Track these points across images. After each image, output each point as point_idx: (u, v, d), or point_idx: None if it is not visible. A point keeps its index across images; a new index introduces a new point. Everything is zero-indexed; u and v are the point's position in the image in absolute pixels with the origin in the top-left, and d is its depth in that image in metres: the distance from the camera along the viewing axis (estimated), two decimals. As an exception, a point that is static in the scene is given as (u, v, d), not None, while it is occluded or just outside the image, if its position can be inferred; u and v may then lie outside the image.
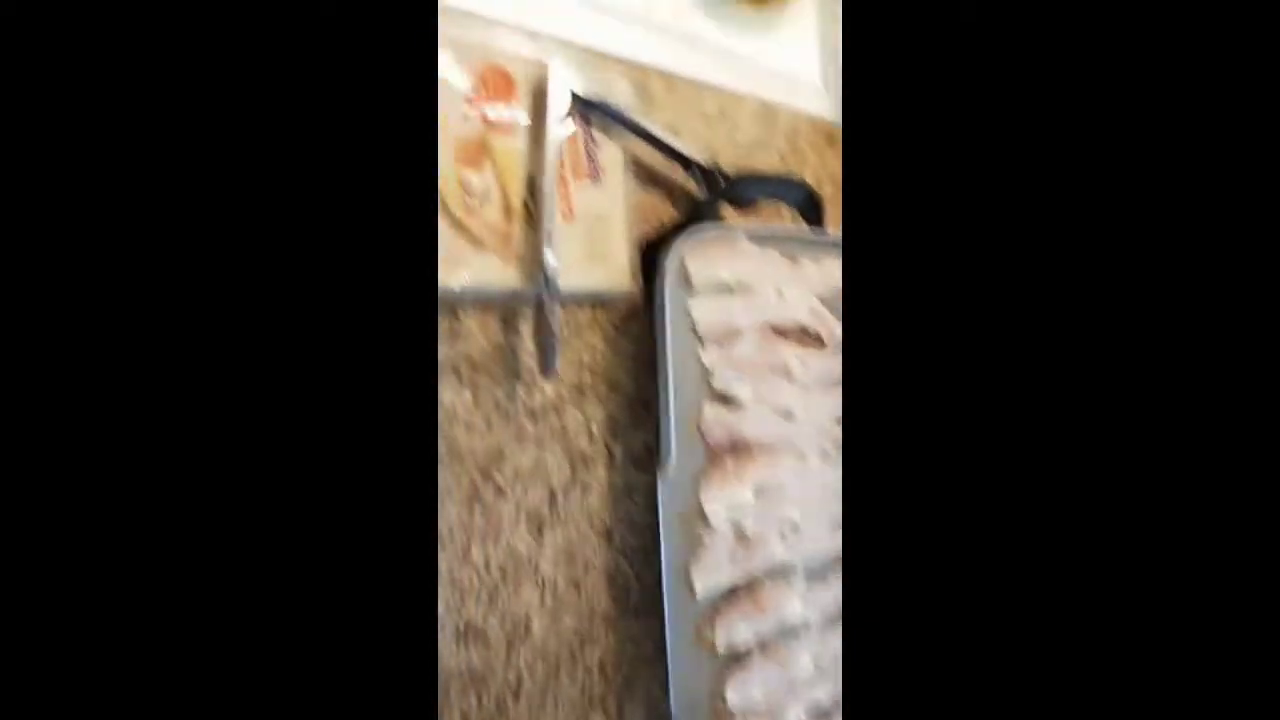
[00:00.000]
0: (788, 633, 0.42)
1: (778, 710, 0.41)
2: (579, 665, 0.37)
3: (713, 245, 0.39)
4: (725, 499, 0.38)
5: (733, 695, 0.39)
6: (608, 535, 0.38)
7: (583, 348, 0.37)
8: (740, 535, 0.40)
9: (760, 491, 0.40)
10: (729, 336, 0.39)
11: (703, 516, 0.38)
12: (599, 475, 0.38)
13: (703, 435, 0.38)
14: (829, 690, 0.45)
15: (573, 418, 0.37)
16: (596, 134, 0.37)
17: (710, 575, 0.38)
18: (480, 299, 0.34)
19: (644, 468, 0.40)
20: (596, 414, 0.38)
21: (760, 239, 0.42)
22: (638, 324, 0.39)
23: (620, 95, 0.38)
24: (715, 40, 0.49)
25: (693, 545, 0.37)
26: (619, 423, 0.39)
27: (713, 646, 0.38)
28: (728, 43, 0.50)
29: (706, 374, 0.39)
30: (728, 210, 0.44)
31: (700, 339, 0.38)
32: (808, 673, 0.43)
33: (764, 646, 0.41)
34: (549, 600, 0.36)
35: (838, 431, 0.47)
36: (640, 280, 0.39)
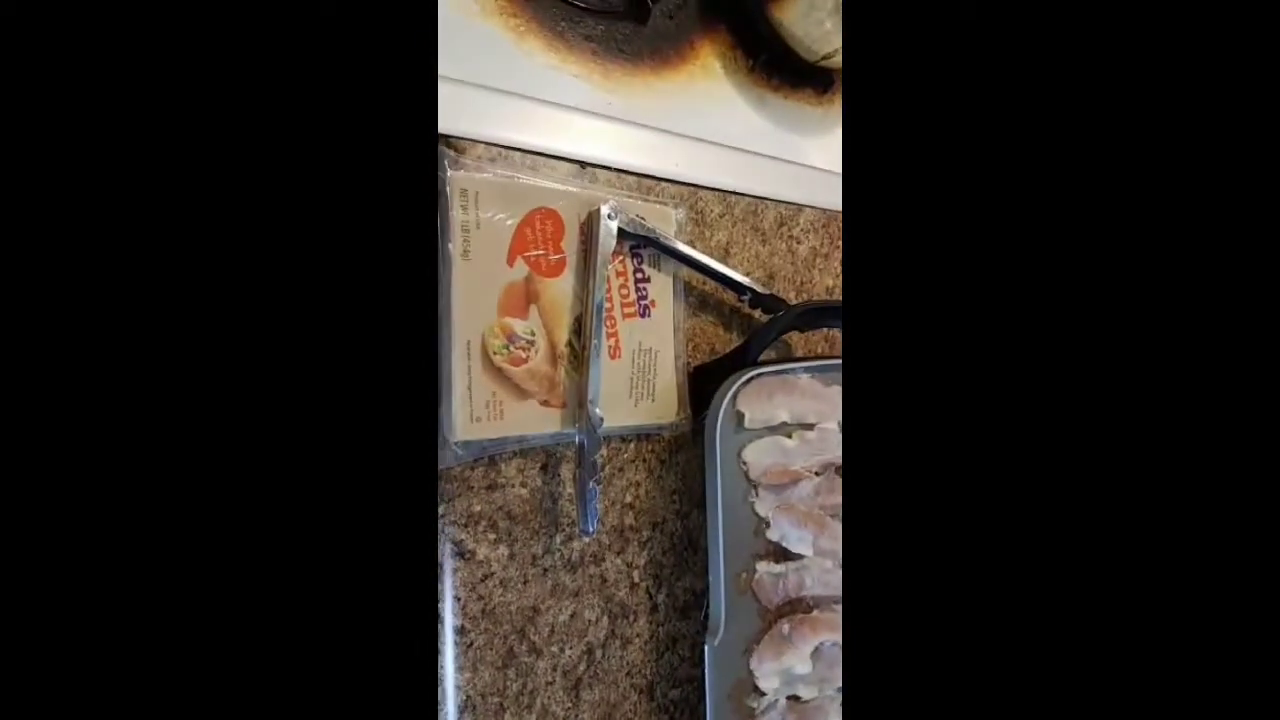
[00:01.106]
0: None
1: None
2: None
3: (771, 385, 0.37)
4: (779, 667, 0.35)
5: None
6: (649, 691, 0.36)
7: (626, 486, 0.35)
8: (794, 702, 0.36)
9: (818, 655, 0.36)
10: (786, 483, 0.37)
11: (754, 688, 0.34)
12: (640, 627, 0.35)
13: (756, 596, 0.35)
14: None
15: (613, 565, 0.35)
16: (647, 268, 0.36)
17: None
18: (521, 448, 0.33)
19: (689, 615, 0.37)
20: (639, 559, 0.36)
21: (826, 374, 0.39)
22: (685, 456, 0.37)
23: (673, 222, 0.37)
24: (773, 145, 0.47)
25: (742, 716, 0.34)
26: (663, 567, 0.36)
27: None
28: (785, 145, 0.48)
29: (761, 525, 0.36)
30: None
31: (754, 485, 0.35)
32: None
33: None
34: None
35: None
36: (689, 410, 0.37)
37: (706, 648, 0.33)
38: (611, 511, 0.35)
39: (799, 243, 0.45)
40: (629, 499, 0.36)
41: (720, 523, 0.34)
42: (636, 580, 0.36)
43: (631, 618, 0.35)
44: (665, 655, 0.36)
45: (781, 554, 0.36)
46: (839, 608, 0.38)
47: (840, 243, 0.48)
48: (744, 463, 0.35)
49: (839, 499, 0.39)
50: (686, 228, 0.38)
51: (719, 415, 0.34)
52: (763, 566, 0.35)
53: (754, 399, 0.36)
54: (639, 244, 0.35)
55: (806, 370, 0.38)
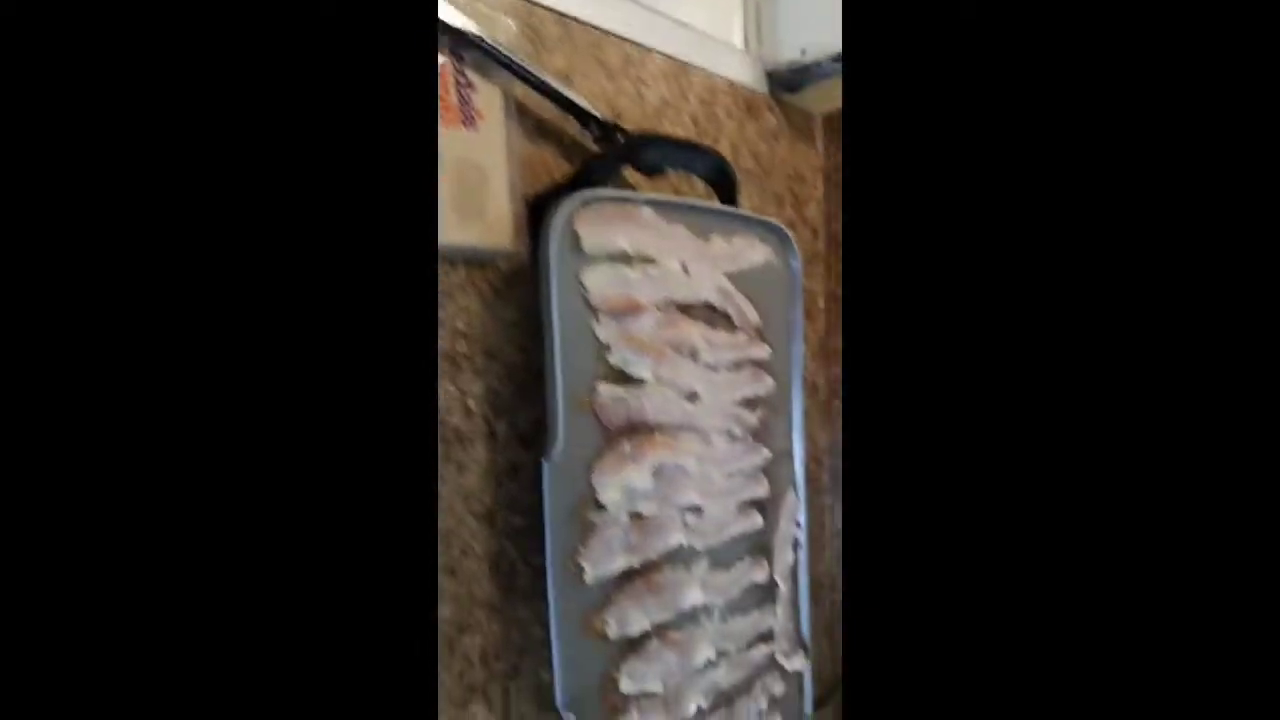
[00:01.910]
0: (687, 618, 0.41)
1: (676, 697, 0.40)
2: (455, 654, 0.34)
3: (611, 212, 0.36)
4: (620, 483, 0.36)
5: (626, 682, 0.37)
6: (489, 518, 0.35)
7: (456, 312, 0.34)
8: (636, 520, 0.38)
9: (660, 474, 0.38)
10: (628, 311, 0.37)
11: (595, 502, 0.35)
12: (478, 454, 0.35)
13: (596, 415, 0.35)
14: (730, 675, 0.44)
15: (444, 391, 0.34)
16: (472, 74, 0.33)
17: (602, 561, 0.36)
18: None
19: (531, 445, 0.37)
20: (473, 387, 0.35)
21: (667, 210, 0.40)
22: (522, 289, 0.36)
23: (502, 30, 0.34)
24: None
25: (583, 532, 0.35)
26: (501, 396, 0.36)
27: (604, 633, 0.36)
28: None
29: (602, 349, 0.36)
30: (632, 176, 0.41)
31: (594, 311, 0.35)
32: (708, 658, 0.42)
33: (661, 633, 0.40)
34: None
35: (744, 413, 0.45)
36: (526, 241, 0.35)
37: (545, 464, 0.33)
38: (441, 337, 0.34)
39: (647, 87, 0.44)
40: (460, 325, 0.34)
41: (558, 341, 0.33)
42: (472, 408, 0.35)
43: (467, 444, 0.34)
44: (506, 484, 0.36)
45: (623, 378, 0.37)
46: (681, 433, 0.40)
47: (691, 97, 0.48)
48: (584, 287, 0.35)
49: (681, 334, 0.40)
50: (520, 44, 0.36)
51: (553, 232, 0.33)
52: (604, 388, 0.35)
53: (592, 223, 0.35)
54: (460, 44, 0.32)
55: (649, 203, 0.38)
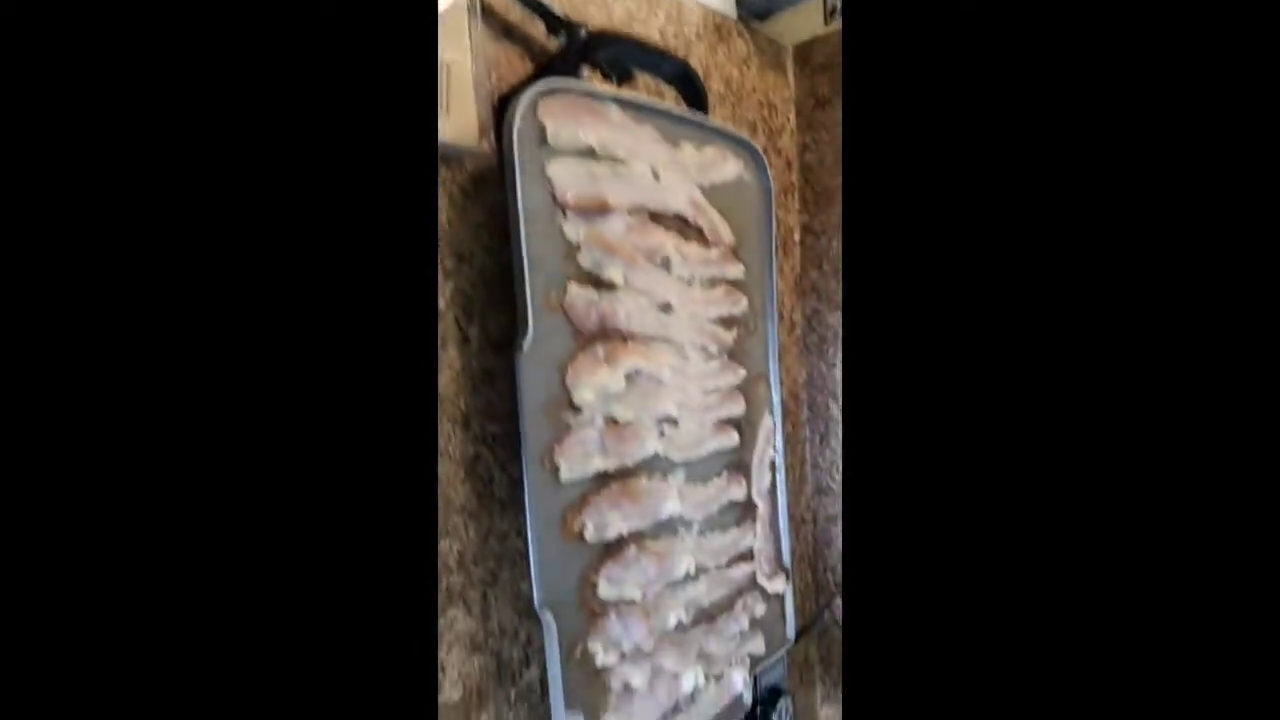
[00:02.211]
0: (664, 528, 0.41)
1: (655, 606, 0.40)
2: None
3: (576, 105, 0.36)
4: (594, 385, 0.36)
5: (605, 586, 0.37)
6: (464, 422, 0.35)
7: (424, 211, 0.33)
8: (611, 425, 0.37)
9: (634, 380, 0.38)
10: (597, 210, 0.36)
11: (569, 403, 0.35)
12: (451, 357, 0.34)
13: (568, 315, 0.35)
14: (711, 592, 0.45)
15: (415, 290, 0.33)
16: (432, -39, 0.32)
17: (577, 462, 0.35)
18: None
19: (504, 352, 0.36)
20: (443, 288, 0.34)
21: (635, 111, 0.39)
22: (490, 192, 0.35)
23: (462, -79, 0.33)
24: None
25: (557, 431, 0.35)
26: (473, 300, 0.35)
27: (581, 535, 0.36)
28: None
29: (571, 249, 0.35)
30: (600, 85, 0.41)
31: (561, 208, 0.35)
32: (688, 570, 0.42)
33: (638, 540, 0.40)
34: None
35: (719, 331, 0.45)
36: (493, 142, 0.35)
37: (516, 356, 0.33)
38: (410, 237, 0.33)
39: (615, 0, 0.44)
40: (429, 224, 0.33)
41: (524, 234, 0.33)
42: (443, 308, 0.34)
43: (441, 345, 0.34)
44: (481, 389, 0.36)
45: (594, 280, 0.36)
46: (655, 343, 0.40)
47: (659, 13, 0.48)
48: (550, 180, 0.34)
49: (652, 242, 0.40)
50: (482, -62, 0.35)
51: (518, 119, 0.33)
52: (574, 288, 0.35)
53: (558, 115, 0.35)
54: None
55: (617, 100, 0.38)
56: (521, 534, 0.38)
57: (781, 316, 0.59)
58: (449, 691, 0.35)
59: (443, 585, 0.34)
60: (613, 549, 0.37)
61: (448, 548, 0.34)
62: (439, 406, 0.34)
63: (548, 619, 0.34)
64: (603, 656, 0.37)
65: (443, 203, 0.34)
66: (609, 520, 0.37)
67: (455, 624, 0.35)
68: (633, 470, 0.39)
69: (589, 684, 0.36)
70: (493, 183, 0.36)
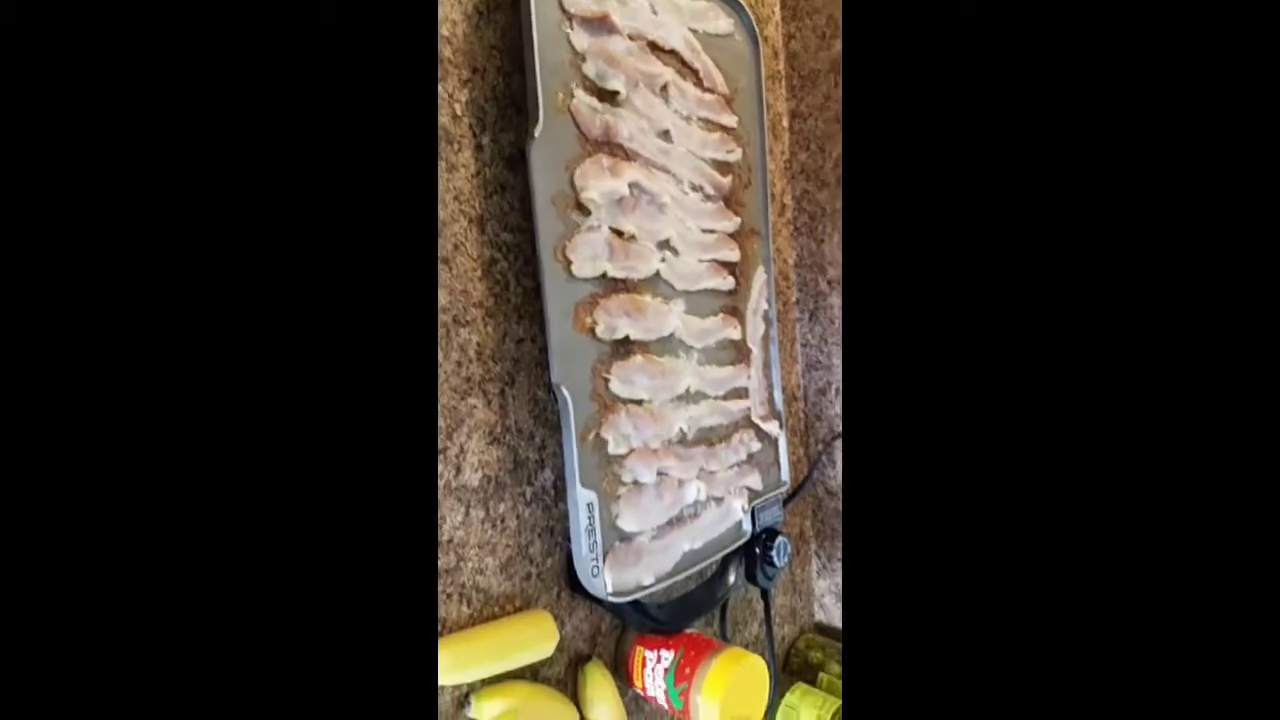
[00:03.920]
0: (667, 345, 0.44)
1: (660, 414, 0.43)
2: (453, 344, 0.36)
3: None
4: (600, 188, 0.38)
5: (616, 383, 0.40)
6: (480, 223, 0.37)
7: (440, 20, 0.35)
8: (617, 236, 0.40)
9: (636, 199, 0.41)
10: (601, 24, 0.39)
11: (577, 203, 0.38)
12: (465, 159, 0.37)
13: (574, 119, 0.38)
14: (711, 417, 0.48)
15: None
16: None
17: (587, 262, 0.38)
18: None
19: (516, 168, 0.39)
20: (459, 94, 0.36)
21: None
22: (504, 14, 0.38)
23: None
24: None
25: (568, 229, 0.37)
26: (486, 113, 0.38)
27: (592, 330, 0.39)
28: None
29: (577, 57, 0.38)
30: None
31: (568, 16, 0.37)
32: (689, 387, 0.45)
33: (645, 349, 0.42)
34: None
35: (715, 174, 0.48)
36: (503, -40, 0.37)
37: (528, 145, 0.35)
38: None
39: None
40: (445, 33, 0.36)
41: (536, 36, 0.35)
42: (458, 112, 0.36)
43: (455, 145, 0.36)
44: (494, 198, 0.38)
45: (598, 91, 0.39)
46: (655, 169, 0.42)
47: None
48: (558, -9, 0.37)
49: (652, 68, 0.42)
50: None
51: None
52: (580, 94, 0.38)
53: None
54: None
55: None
56: (537, 341, 0.40)
57: (773, 197, 0.62)
58: (468, 475, 0.37)
59: (463, 373, 0.37)
60: (621, 351, 0.40)
61: (467, 337, 0.37)
62: (455, 202, 0.36)
63: (564, 395, 0.36)
64: (614, 446, 0.39)
65: (458, 17, 0.36)
66: (618, 323, 0.40)
67: (475, 412, 0.37)
68: (638, 285, 0.41)
69: (602, 469, 0.39)
70: (506, 6, 0.38)
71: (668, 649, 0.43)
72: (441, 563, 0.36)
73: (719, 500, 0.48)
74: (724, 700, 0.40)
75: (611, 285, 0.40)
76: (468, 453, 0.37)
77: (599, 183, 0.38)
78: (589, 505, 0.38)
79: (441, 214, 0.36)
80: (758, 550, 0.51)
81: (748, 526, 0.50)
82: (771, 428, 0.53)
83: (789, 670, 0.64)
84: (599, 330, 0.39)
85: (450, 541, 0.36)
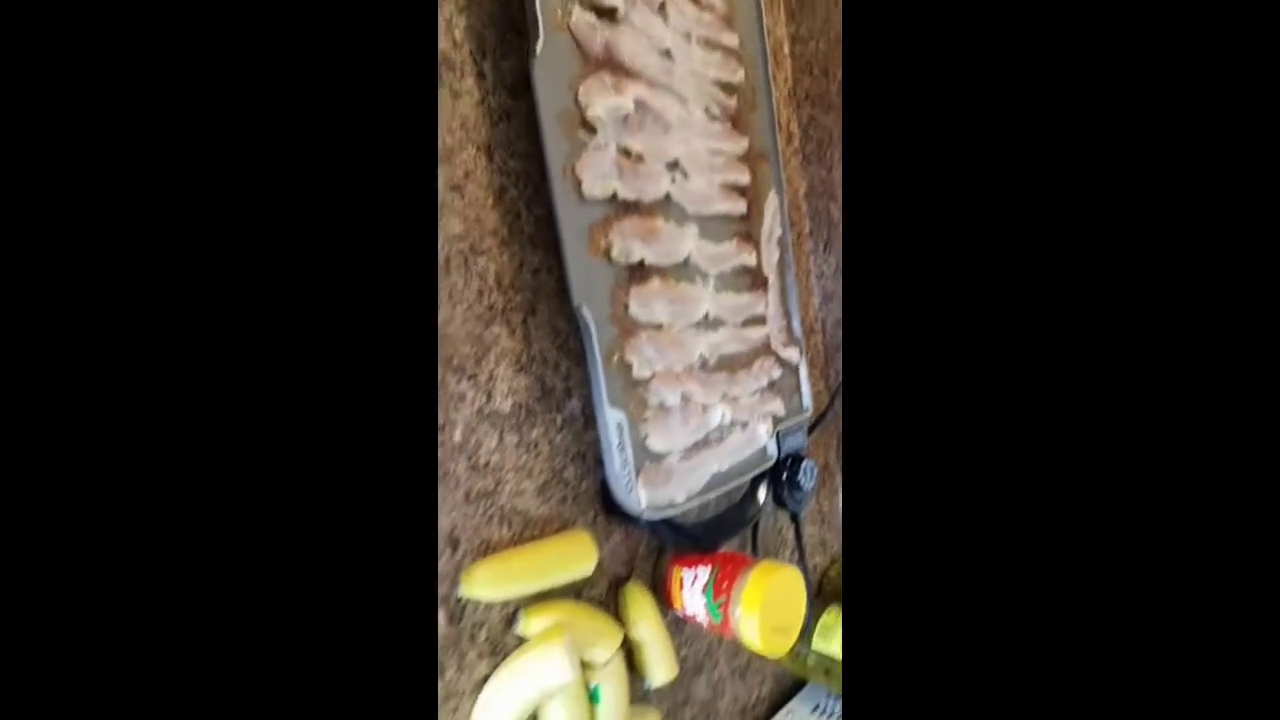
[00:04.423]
0: (683, 270, 0.44)
1: (680, 340, 0.44)
2: (472, 273, 0.37)
3: None
4: (605, 105, 0.38)
5: (635, 306, 0.40)
6: (488, 151, 0.37)
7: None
8: (625, 155, 0.40)
9: (642, 117, 0.40)
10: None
11: (583, 121, 0.37)
12: (469, 85, 0.37)
13: (574, 36, 0.37)
14: (730, 345, 0.48)
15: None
16: None
17: (597, 179, 0.38)
18: None
19: (519, 95, 0.39)
20: (458, 20, 0.36)
21: None
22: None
23: None
24: None
25: (575, 147, 0.37)
26: (486, 39, 0.37)
27: (607, 253, 0.39)
28: None
29: (572, -26, 0.37)
30: None
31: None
32: (707, 313, 0.45)
33: (661, 274, 0.43)
34: (430, 199, 0.35)
35: (719, 94, 0.47)
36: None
37: (531, 63, 0.35)
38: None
39: None
40: (438, -45, 0.35)
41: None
42: (458, 38, 0.36)
43: (458, 72, 0.36)
44: (500, 125, 0.38)
45: (595, 8, 0.38)
46: (658, 88, 0.42)
47: None
48: (547, -95, 0.36)
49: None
50: None
51: None
52: (578, 10, 0.37)
53: None
54: None
55: None
56: (553, 271, 0.40)
57: (780, 125, 0.61)
58: (499, 402, 0.38)
59: (485, 302, 0.37)
60: (637, 275, 0.40)
61: (486, 266, 0.37)
62: (462, 130, 0.36)
63: (585, 317, 0.37)
64: (638, 369, 0.40)
65: (448, -64, 0.36)
66: (632, 246, 0.40)
67: (500, 340, 0.38)
68: (649, 208, 0.41)
69: (628, 392, 0.40)
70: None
71: (704, 566, 0.44)
72: (480, 486, 0.37)
73: (743, 425, 0.48)
74: (763, 610, 0.41)
75: (623, 208, 0.39)
76: (497, 380, 0.38)
77: (603, 99, 0.38)
78: (618, 425, 0.39)
79: (449, 141, 0.36)
80: (784, 476, 0.52)
81: (773, 451, 0.50)
82: (791, 355, 0.53)
83: (822, 596, 0.65)
84: (614, 253, 0.39)
85: (487, 465, 0.37)
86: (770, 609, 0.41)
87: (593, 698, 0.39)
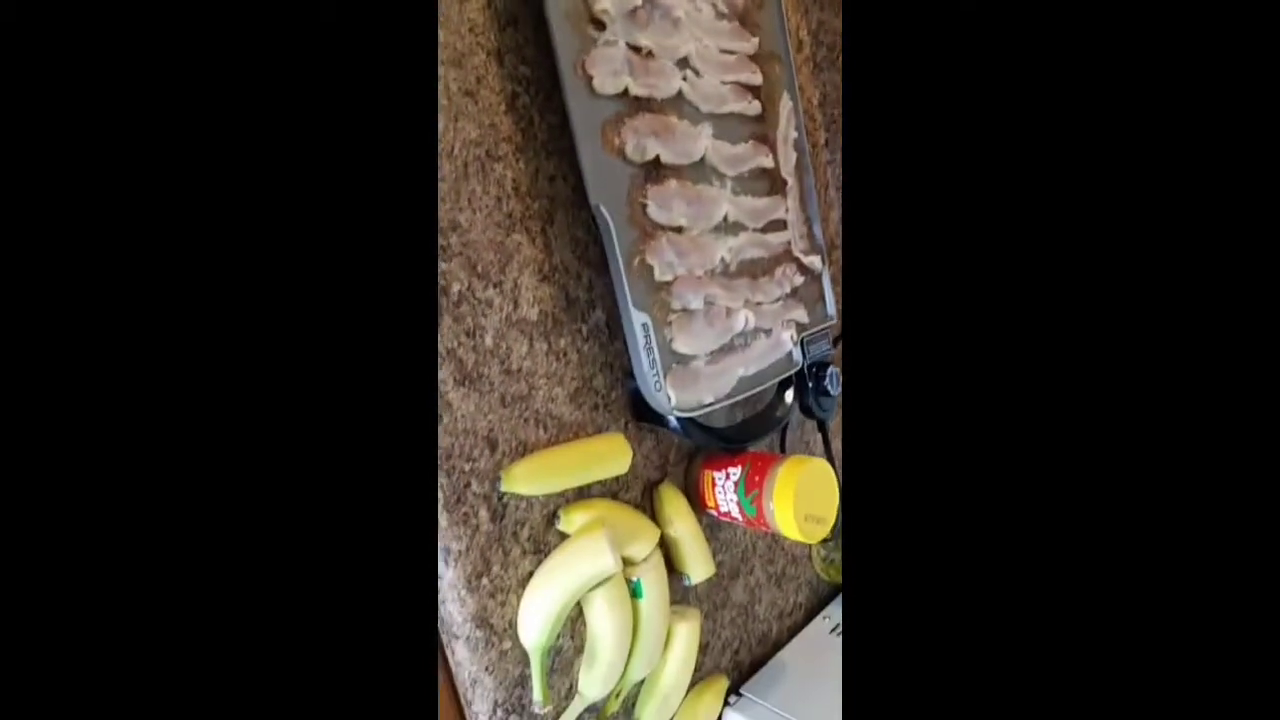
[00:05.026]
0: (699, 170, 0.44)
1: (701, 244, 0.43)
2: (490, 180, 0.37)
3: None
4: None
5: (654, 208, 0.40)
6: (498, 57, 0.37)
7: None
8: (635, 52, 0.39)
9: (650, 6, 0.39)
10: None
11: (591, 17, 0.37)
12: (473, -14, 0.36)
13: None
14: (751, 249, 0.47)
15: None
16: None
17: (608, 78, 0.37)
18: None
19: (524, -5, 0.38)
20: (456, -87, 0.35)
21: None
22: None
23: None
24: None
25: (584, 43, 0.37)
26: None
27: (622, 151, 0.38)
28: None
29: None
30: None
31: None
32: (727, 215, 0.45)
33: (678, 173, 0.42)
34: (441, 99, 0.35)
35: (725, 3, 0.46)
36: None
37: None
38: None
39: None
40: None
41: None
42: (458, -65, 0.36)
43: (461, -28, 0.36)
44: (509, 30, 0.38)
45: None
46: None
47: None
48: None
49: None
50: None
51: None
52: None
53: None
54: None
55: None
56: (569, 179, 0.40)
57: (790, 33, 0.59)
58: (525, 310, 0.39)
59: (504, 209, 0.38)
60: (654, 174, 0.40)
61: (503, 172, 0.37)
62: (471, 34, 0.36)
63: (604, 216, 0.37)
64: (660, 272, 0.40)
65: None
66: (646, 144, 0.39)
67: (522, 249, 0.38)
68: (662, 105, 0.41)
69: (651, 295, 0.40)
70: None
71: (735, 466, 0.45)
72: (514, 390, 0.38)
73: (768, 332, 0.48)
74: (795, 500, 0.42)
75: (636, 104, 0.39)
76: (521, 288, 0.38)
77: (610, -7, 0.37)
78: (644, 326, 0.39)
79: (459, 46, 0.35)
80: (810, 384, 0.52)
81: (798, 357, 0.50)
82: (814, 262, 0.52)
83: (853, 509, 0.66)
84: (629, 150, 0.38)
85: (520, 370, 0.38)
86: (803, 498, 0.42)
87: (635, 592, 0.41)
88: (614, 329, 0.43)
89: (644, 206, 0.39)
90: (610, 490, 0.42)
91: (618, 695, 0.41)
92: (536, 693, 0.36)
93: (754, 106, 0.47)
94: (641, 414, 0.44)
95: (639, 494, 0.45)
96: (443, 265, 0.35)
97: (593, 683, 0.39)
